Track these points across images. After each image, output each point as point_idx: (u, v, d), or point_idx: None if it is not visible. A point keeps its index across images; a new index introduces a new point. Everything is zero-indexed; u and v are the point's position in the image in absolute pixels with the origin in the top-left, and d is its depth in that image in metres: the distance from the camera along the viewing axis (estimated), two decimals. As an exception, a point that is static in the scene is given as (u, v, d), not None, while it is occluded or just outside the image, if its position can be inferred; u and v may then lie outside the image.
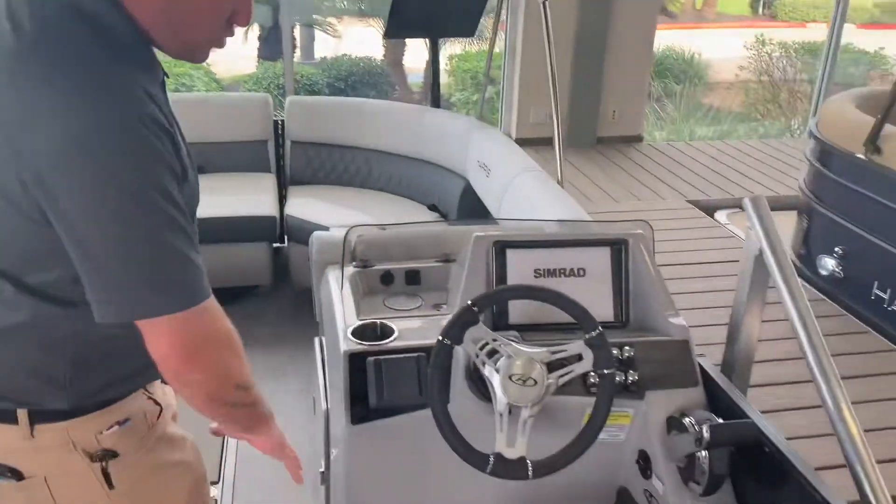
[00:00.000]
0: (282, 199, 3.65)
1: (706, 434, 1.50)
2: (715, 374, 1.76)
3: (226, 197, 3.32)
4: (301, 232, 3.10)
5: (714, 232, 4.13)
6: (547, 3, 2.84)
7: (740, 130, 7.56)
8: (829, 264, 3.61)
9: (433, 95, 3.70)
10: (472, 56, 7.79)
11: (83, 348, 1.11)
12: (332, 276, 1.98)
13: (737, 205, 4.69)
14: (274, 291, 3.56)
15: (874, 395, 2.70)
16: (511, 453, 1.42)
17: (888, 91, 3.37)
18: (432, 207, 3.36)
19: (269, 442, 1.31)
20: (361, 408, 1.59)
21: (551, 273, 1.80)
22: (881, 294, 3.29)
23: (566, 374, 1.46)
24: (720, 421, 1.56)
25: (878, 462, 2.39)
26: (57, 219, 0.96)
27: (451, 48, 7.88)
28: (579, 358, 1.47)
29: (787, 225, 4.21)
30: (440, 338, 1.45)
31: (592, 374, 1.54)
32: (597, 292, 1.80)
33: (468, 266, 1.76)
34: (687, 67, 8.96)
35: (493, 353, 1.45)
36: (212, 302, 1.04)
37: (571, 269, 1.81)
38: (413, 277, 1.98)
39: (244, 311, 3.39)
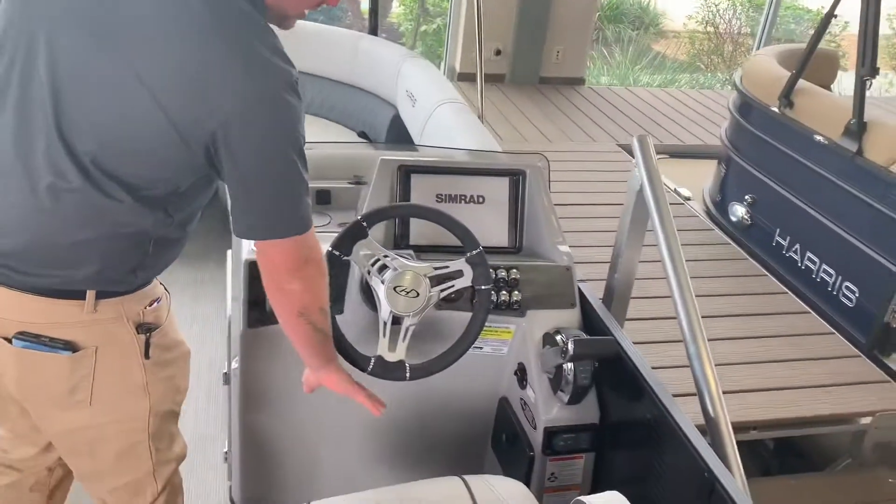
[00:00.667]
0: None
1: (570, 347, 1.65)
2: (592, 299, 1.91)
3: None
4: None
5: (637, 175, 4.27)
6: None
7: (682, 80, 7.70)
8: (738, 211, 3.81)
9: (371, 23, 3.71)
10: (425, -14, 7.69)
11: (158, 246, 1.35)
12: None
13: (663, 151, 4.86)
14: (206, 207, 3.58)
15: (757, 332, 2.92)
16: (391, 357, 1.55)
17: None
18: (362, 135, 3.41)
19: (340, 380, 1.50)
20: (258, 312, 1.69)
21: (452, 199, 1.91)
22: (781, 241, 3.51)
23: (447, 288, 1.59)
24: (585, 336, 1.71)
25: (751, 391, 2.63)
26: (227, 156, 1.20)
27: (404, -23, 7.76)
28: (460, 274, 1.60)
29: (708, 173, 4.40)
30: (329, 249, 1.55)
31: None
32: (494, 219, 1.92)
33: (373, 187, 1.85)
34: (642, 13, 9.00)
35: (383, 268, 1.57)
36: (314, 230, 1.31)
37: (472, 196, 1.92)
38: (323, 197, 2.06)
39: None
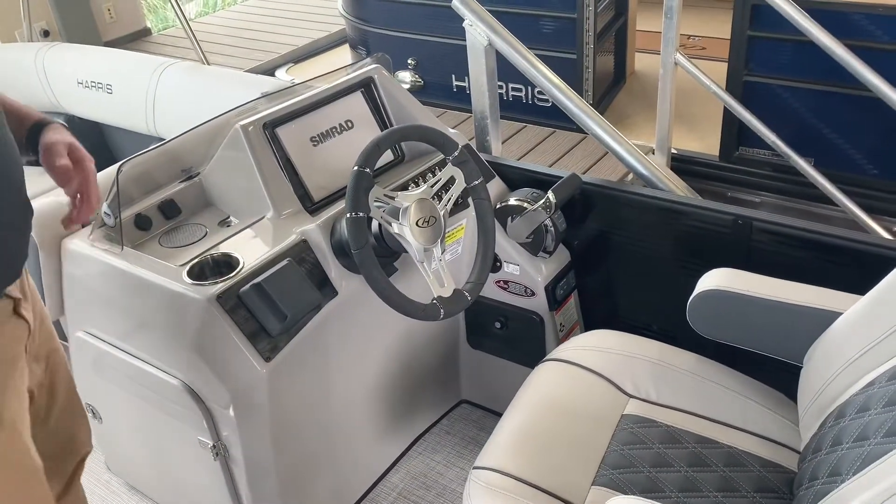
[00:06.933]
0: None
1: (553, 199, 1.69)
2: (492, 160, 1.95)
3: None
4: None
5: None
6: None
7: (217, 1, 7.44)
8: (407, 77, 4.00)
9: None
10: None
11: None
12: (75, 245, 1.59)
13: (289, 60, 4.79)
14: None
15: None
16: (446, 292, 1.43)
17: None
18: (34, 162, 2.73)
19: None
20: (266, 342, 1.39)
21: (325, 136, 1.74)
22: (461, 83, 3.82)
23: (449, 199, 1.48)
24: (541, 192, 1.76)
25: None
26: None
27: None
28: (453, 181, 1.50)
29: (343, 61, 4.47)
30: (351, 214, 1.33)
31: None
32: (368, 137, 1.80)
33: (256, 161, 1.58)
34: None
35: (394, 211, 1.40)
36: None
37: (341, 125, 1.77)
38: (170, 208, 1.70)
39: None
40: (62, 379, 1.37)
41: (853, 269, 1.50)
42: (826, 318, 1.29)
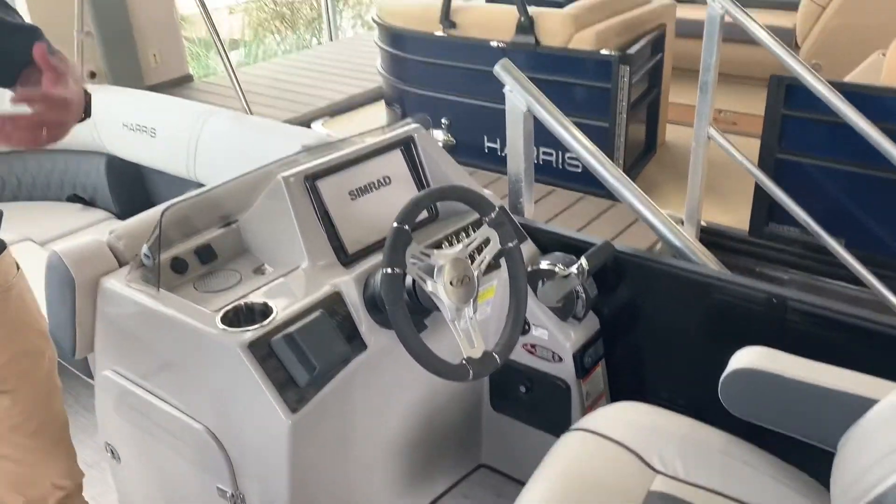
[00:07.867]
0: None
1: (585, 265, 1.69)
2: (525, 222, 1.97)
3: None
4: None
5: (330, 140, 4.25)
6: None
7: (259, 53, 7.67)
8: (440, 136, 4.06)
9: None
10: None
11: None
12: (112, 284, 1.61)
13: (325, 113, 4.90)
14: None
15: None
16: (476, 353, 1.43)
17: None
18: (74, 198, 2.80)
19: None
20: (293, 393, 1.39)
21: (363, 190, 1.77)
22: (492, 145, 3.87)
23: (483, 260, 1.50)
24: (577, 258, 1.76)
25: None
26: None
27: None
28: (488, 241, 1.51)
29: (377, 117, 4.57)
30: (387, 270, 1.34)
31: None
32: (405, 194, 1.83)
33: (295, 211, 1.61)
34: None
35: (428, 269, 1.41)
36: None
37: (378, 181, 1.80)
38: (207, 253, 1.72)
39: None
40: (28, 407, 1.37)
41: (891, 355, 1.48)
42: (862, 405, 1.26)
